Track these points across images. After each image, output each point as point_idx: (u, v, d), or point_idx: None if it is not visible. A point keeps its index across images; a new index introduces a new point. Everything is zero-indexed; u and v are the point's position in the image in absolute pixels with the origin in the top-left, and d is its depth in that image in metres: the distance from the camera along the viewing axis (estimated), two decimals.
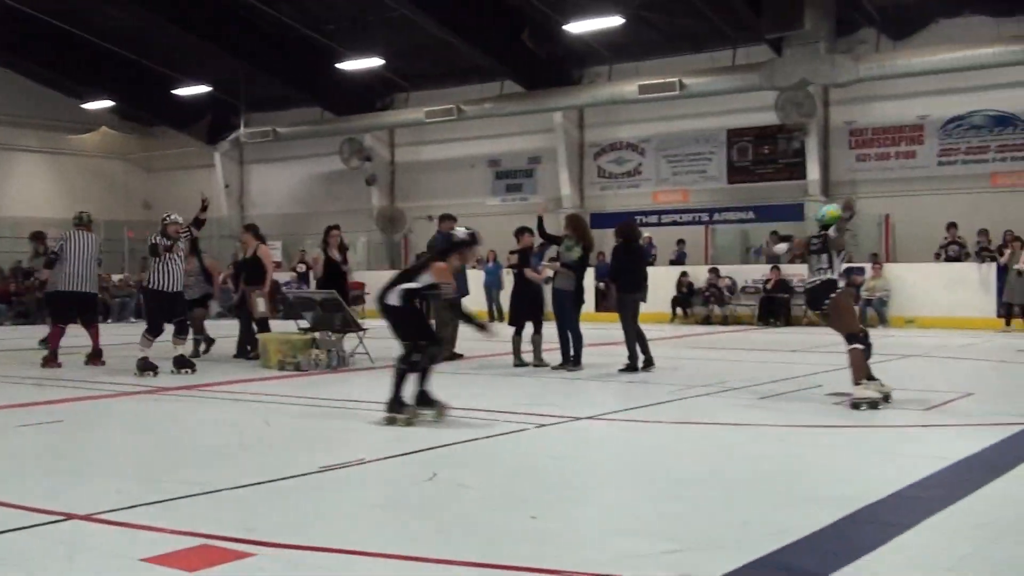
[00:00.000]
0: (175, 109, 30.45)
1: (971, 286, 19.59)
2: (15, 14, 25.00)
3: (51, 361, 12.17)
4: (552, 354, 11.92)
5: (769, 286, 21.48)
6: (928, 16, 21.29)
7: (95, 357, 12.46)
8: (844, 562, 3.97)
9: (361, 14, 24.48)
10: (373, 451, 6.45)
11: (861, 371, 8.31)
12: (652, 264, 18.52)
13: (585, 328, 11.85)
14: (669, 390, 9.64)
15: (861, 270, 20.41)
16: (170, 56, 28.24)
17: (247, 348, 13.16)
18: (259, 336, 12.70)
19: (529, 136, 26.67)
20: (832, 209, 8.77)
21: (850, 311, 8.92)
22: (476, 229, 8.51)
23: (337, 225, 13.60)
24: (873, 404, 8.16)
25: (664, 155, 25.31)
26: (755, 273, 22.34)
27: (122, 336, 15.55)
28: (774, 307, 21.28)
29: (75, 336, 12.71)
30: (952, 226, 20.46)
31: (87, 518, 4.72)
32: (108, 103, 31.03)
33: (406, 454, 6.43)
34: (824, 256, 8.59)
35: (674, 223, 24.57)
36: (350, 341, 12.50)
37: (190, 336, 12.64)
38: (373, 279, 26.79)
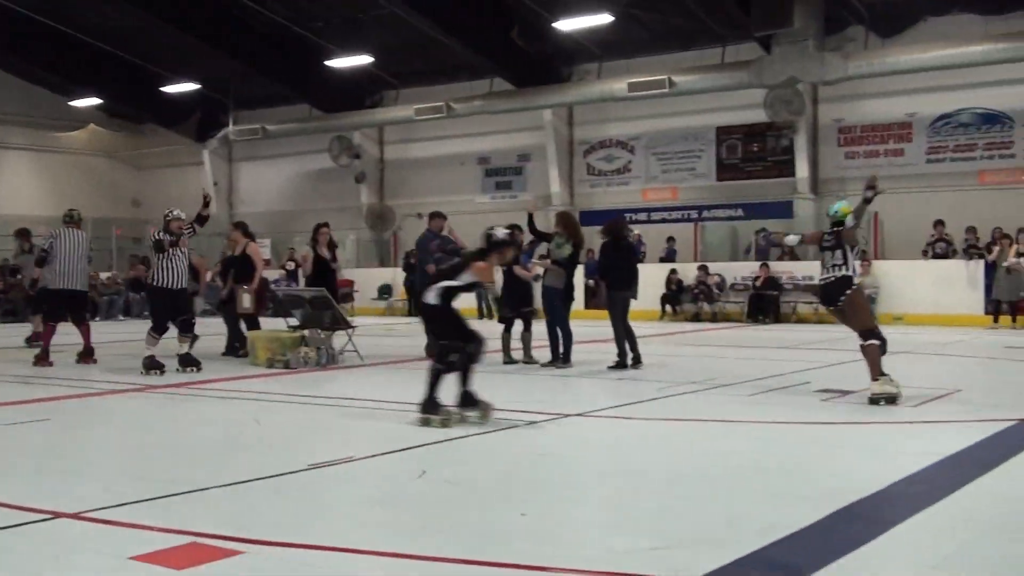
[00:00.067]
0: (164, 107, 30.33)
1: (959, 283, 19.65)
2: (2, 11, 24.84)
3: (42, 359, 12.12)
4: (542, 351, 11.94)
5: (758, 283, 21.52)
6: (916, 14, 21.37)
7: (86, 355, 12.42)
8: (832, 558, 3.99)
9: (350, 12, 24.46)
10: (363, 448, 6.45)
11: (878, 367, 8.31)
12: (642, 261, 18.54)
13: (575, 325, 11.85)
14: (658, 387, 9.65)
15: None
16: (159, 53, 28.10)
17: (236, 346, 13.16)
18: (248, 334, 12.69)
19: (518, 133, 26.66)
20: (845, 205, 8.85)
21: (865, 307, 8.95)
22: (510, 228, 8.47)
23: (326, 223, 13.55)
24: (891, 399, 8.16)
25: (653, 152, 25.33)
26: (744, 270, 22.39)
27: (111, 334, 15.50)
28: (763, 304, 21.32)
29: (66, 334, 12.65)
30: (940, 223, 20.52)
31: (76, 516, 4.71)
32: (96, 100, 30.87)
33: (396, 451, 6.43)
34: (838, 252, 8.60)
35: (663, 220, 24.60)
36: (339, 339, 12.50)
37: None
38: (362, 277, 26.89)
